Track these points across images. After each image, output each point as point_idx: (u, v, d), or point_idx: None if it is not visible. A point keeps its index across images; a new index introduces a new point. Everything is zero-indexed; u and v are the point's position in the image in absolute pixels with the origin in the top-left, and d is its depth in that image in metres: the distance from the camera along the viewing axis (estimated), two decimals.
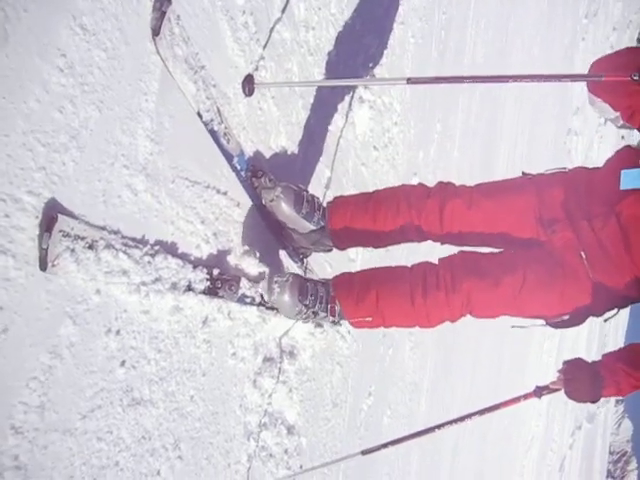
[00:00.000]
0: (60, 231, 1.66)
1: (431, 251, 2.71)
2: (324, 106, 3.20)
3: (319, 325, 2.55)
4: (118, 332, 1.89)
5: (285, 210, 2.39)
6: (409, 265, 2.37)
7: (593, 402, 2.38)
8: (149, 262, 1.97)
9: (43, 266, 1.63)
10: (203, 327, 2.26)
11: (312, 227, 2.43)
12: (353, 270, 2.51)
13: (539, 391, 2.46)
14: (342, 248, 2.54)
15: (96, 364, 1.84)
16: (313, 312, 2.33)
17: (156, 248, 2.02)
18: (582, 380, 2.32)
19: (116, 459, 1.94)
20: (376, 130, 3.82)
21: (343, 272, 2.43)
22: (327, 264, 3.25)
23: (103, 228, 1.82)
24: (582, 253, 2.18)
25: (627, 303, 2.30)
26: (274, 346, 2.71)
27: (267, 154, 2.66)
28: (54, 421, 1.69)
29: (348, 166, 3.49)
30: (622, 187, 2.09)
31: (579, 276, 2.20)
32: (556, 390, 2.43)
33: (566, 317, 2.26)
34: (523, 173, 2.42)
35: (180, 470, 2.25)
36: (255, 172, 2.47)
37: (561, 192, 2.27)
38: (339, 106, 3.37)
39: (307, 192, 2.46)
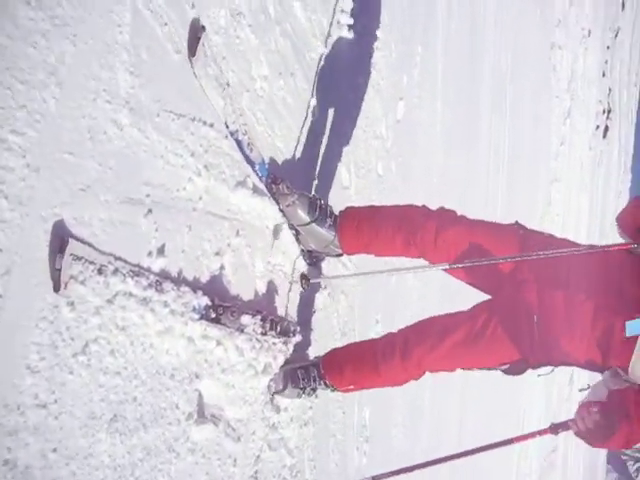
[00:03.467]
0: (71, 254, 1.70)
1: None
2: (302, 32, 3.15)
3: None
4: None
5: (300, 215, 2.64)
6: (376, 337, 2.74)
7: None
8: (156, 288, 2.02)
9: (57, 287, 1.67)
10: None
11: (323, 232, 2.67)
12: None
13: (555, 428, 2.39)
14: (350, 253, 2.81)
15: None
16: (312, 389, 2.68)
17: (162, 274, 2.08)
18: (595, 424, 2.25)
19: (134, 394, 1.97)
20: (358, 54, 3.77)
21: (328, 351, 2.77)
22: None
23: (110, 254, 1.86)
24: (535, 317, 2.33)
25: (563, 365, 2.44)
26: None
27: (250, 84, 2.63)
28: (68, 358, 1.71)
29: (333, 93, 3.45)
30: (627, 334, 2.20)
31: (521, 335, 2.35)
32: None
33: (505, 366, 2.42)
34: (516, 222, 2.58)
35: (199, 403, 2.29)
36: (274, 179, 2.64)
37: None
38: (317, 31, 3.31)
39: (321, 200, 2.71)
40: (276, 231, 2.74)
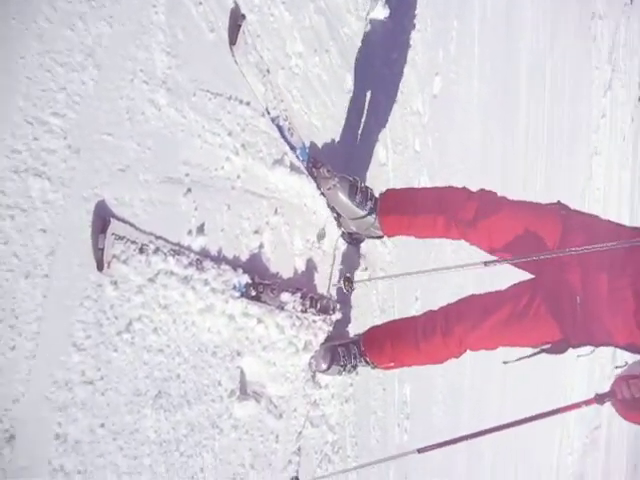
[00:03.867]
0: (113, 234, 1.73)
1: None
2: (336, 8, 3.12)
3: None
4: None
5: (341, 198, 2.66)
6: (417, 315, 2.77)
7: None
8: (197, 267, 2.03)
9: (100, 266, 1.70)
10: None
11: (364, 214, 2.68)
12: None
13: (600, 398, 2.36)
14: (390, 235, 2.81)
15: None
16: (353, 366, 2.72)
17: (203, 253, 2.10)
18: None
19: (177, 371, 2.00)
20: (393, 30, 3.72)
21: (368, 328, 2.81)
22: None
23: (151, 233, 1.88)
24: (578, 298, 2.33)
25: (603, 346, 2.44)
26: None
27: (285, 61, 2.62)
28: (112, 336, 1.75)
29: (368, 69, 3.42)
30: None
31: (563, 315, 2.36)
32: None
33: (548, 346, 2.44)
34: (558, 202, 2.53)
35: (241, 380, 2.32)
36: (315, 163, 2.67)
37: (584, 239, 2.33)
38: (351, 7, 3.28)
39: (361, 183, 2.71)
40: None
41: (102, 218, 1.71)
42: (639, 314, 2.24)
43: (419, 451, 2.59)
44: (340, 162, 2.96)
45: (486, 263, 2.37)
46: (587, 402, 2.41)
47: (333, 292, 2.85)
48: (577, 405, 2.46)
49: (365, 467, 3.03)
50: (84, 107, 1.65)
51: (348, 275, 2.68)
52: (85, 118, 1.66)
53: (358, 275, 3.12)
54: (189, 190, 2.03)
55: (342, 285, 2.60)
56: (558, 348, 2.43)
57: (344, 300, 2.94)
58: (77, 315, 1.65)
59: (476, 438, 2.58)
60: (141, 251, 1.84)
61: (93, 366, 1.69)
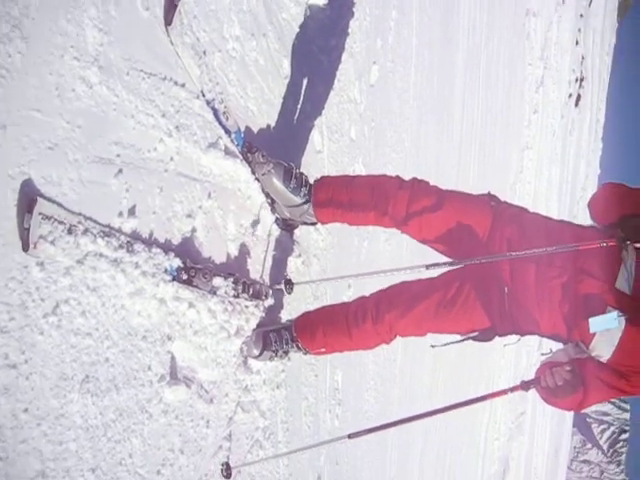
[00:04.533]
0: (40, 214, 1.68)
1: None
2: None
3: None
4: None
5: (276, 184, 2.67)
6: (349, 301, 2.79)
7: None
8: (127, 249, 2.00)
9: (25, 246, 1.66)
10: None
11: (298, 201, 2.68)
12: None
13: (526, 385, 2.39)
14: (324, 222, 2.82)
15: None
16: (284, 352, 2.75)
17: (133, 235, 2.06)
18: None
19: (105, 355, 1.97)
20: (332, 17, 3.72)
21: (301, 314, 2.84)
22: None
23: (80, 214, 1.83)
24: (506, 289, 2.38)
25: (529, 335, 2.51)
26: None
27: (222, 44, 2.59)
28: (38, 319, 1.70)
29: (306, 55, 3.41)
30: (591, 331, 2.22)
31: (491, 304, 2.43)
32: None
33: (475, 334, 2.49)
34: (489, 193, 2.57)
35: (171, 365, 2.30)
36: (250, 148, 2.65)
37: (513, 231, 2.41)
38: None
39: (296, 169, 2.71)
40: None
41: (29, 197, 1.66)
42: (565, 305, 2.30)
43: (350, 436, 2.62)
44: (275, 148, 2.95)
45: (428, 266, 2.39)
46: (513, 389, 2.46)
47: (266, 278, 2.85)
48: (504, 391, 2.51)
49: (296, 452, 3.05)
50: (10, 81, 1.60)
51: (289, 278, 2.70)
52: (12, 93, 1.60)
53: (292, 262, 3.12)
54: (120, 171, 1.99)
55: (283, 288, 2.59)
56: (485, 336, 2.50)
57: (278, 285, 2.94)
58: (1, 297, 1.60)
59: (406, 423, 2.62)
60: (69, 232, 1.79)
61: (17, 349, 1.64)
